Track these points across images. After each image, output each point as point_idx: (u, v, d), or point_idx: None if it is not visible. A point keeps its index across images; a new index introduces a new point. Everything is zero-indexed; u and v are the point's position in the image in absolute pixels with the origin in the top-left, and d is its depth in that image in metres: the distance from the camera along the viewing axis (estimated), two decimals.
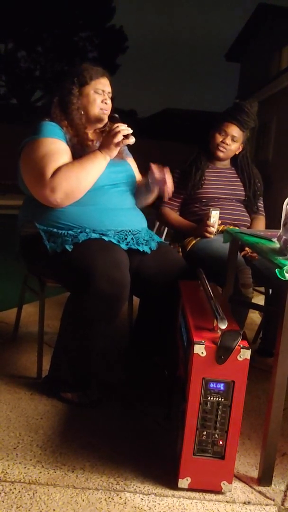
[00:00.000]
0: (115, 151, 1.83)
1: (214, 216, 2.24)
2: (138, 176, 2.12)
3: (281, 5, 13.51)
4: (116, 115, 1.90)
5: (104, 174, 1.84)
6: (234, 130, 2.35)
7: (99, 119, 1.94)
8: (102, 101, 1.92)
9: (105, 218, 1.82)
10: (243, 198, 2.41)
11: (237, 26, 17.96)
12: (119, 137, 1.80)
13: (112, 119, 1.92)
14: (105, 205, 1.84)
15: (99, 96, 1.92)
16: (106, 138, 1.83)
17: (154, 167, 1.95)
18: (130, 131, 1.82)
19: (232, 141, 2.36)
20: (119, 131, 1.80)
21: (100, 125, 1.96)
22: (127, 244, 1.81)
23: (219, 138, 2.37)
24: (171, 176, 2.50)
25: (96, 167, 1.79)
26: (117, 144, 1.81)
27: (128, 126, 1.82)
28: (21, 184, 1.90)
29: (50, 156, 1.76)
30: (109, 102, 1.95)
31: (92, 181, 1.79)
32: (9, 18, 17.57)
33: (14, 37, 18.95)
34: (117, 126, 1.81)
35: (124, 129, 1.81)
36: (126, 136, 1.82)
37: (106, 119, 1.95)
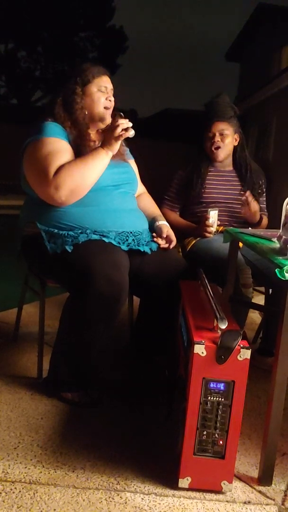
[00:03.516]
0: (116, 146, 1.82)
1: (213, 216, 2.25)
2: (139, 178, 2.12)
3: (281, 5, 13.51)
4: (121, 113, 1.89)
5: (106, 175, 1.84)
6: (218, 126, 2.36)
7: (102, 118, 1.93)
8: (106, 99, 1.93)
9: (106, 219, 1.82)
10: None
11: (237, 26, 17.95)
12: (118, 131, 1.79)
13: (114, 116, 1.90)
14: (107, 206, 1.84)
15: (103, 94, 1.92)
16: (107, 134, 1.83)
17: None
18: (129, 124, 1.81)
19: (221, 135, 2.36)
20: (118, 125, 1.80)
21: (103, 125, 1.95)
22: (128, 246, 1.81)
23: (208, 143, 2.38)
24: (173, 177, 2.49)
25: (98, 163, 1.79)
26: (117, 138, 1.80)
27: (129, 121, 1.82)
28: (24, 184, 1.90)
29: (53, 155, 1.76)
30: (112, 99, 1.95)
31: (95, 177, 1.79)
32: (9, 18, 17.56)
33: (14, 37, 18.94)
34: (116, 121, 1.81)
35: (123, 122, 1.80)
36: (125, 130, 1.81)
37: (109, 119, 1.94)
